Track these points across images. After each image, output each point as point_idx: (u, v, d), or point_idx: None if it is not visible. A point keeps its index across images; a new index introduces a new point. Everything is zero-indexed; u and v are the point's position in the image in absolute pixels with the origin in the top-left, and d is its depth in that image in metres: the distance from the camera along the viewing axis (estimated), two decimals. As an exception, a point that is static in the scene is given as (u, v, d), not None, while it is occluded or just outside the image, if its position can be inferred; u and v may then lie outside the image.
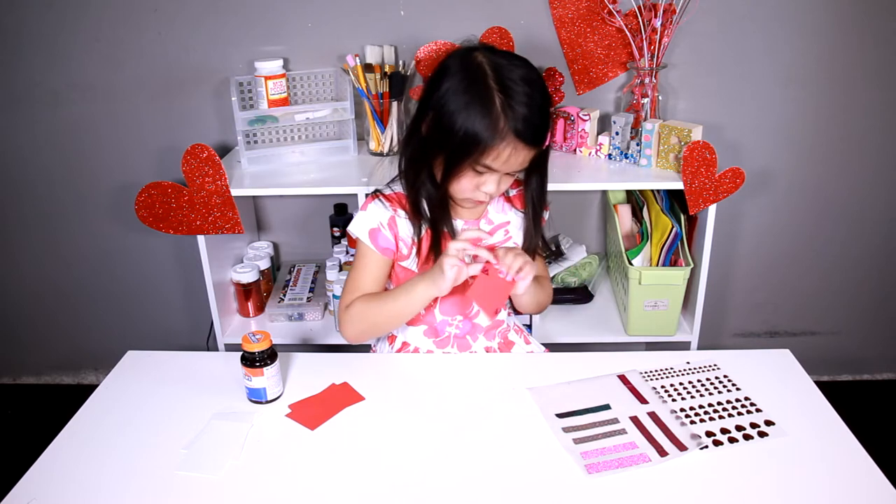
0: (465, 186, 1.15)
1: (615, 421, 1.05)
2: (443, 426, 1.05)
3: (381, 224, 1.23)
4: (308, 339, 1.72)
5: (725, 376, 1.16)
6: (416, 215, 1.22)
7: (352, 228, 1.25)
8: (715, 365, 1.19)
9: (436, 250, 1.21)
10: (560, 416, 1.06)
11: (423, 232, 1.22)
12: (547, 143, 1.16)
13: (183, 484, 0.95)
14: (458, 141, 1.08)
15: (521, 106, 1.07)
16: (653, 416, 1.07)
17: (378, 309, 1.22)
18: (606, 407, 1.09)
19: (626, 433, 1.03)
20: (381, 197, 1.25)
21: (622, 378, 1.16)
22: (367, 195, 1.29)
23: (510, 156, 1.09)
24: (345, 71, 1.71)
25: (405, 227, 1.24)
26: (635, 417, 1.06)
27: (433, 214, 1.21)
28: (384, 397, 1.12)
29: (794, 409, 1.07)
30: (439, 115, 1.10)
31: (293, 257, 2.05)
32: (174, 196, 1.55)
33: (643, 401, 1.10)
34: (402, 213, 1.23)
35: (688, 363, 1.20)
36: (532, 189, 1.24)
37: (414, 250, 1.24)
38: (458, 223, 1.25)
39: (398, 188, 1.26)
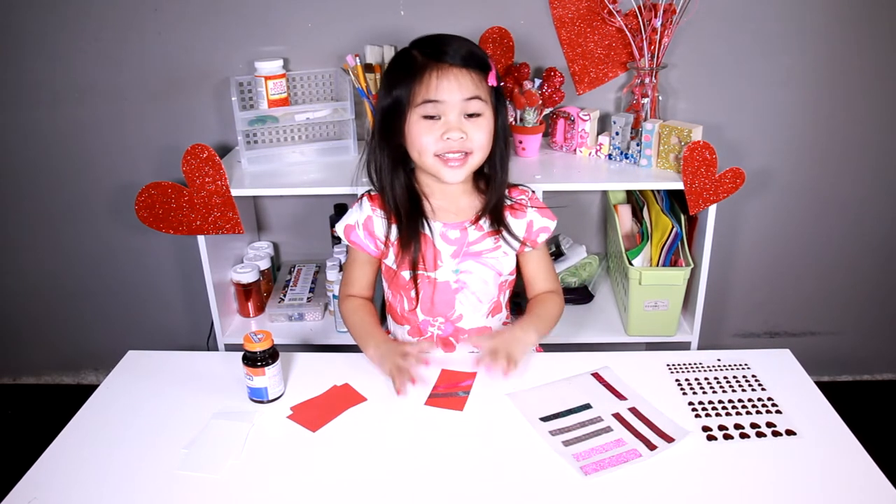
0: (426, 141, 1.15)
1: (599, 419, 1.06)
2: (444, 427, 1.05)
3: (357, 223, 1.27)
4: (308, 340, 1.72)
5: (725, 378, 1.16)
6: (388, 213, 1.24)
7: (336, 225, 1.31)
8: (717, 364, 1.19)
9: (404, 247, 1.23)
10: (544, 419, 1.06)
11: (393, 233, 1.25)
12: (494, 83, 1.18)
13: (183, 483, 0.95)
14: (393, 100, 1.15)
15: (435, 42, 1.15)
16: (634, 411, 1.07)
17: (350, 328, 1.30)
18: (587, 406, 1.09)
19: (612, 430, 1.03)
20: (366, 197, 1.29)
21: (596, 376, 1.16)
22: (360, 195, 1.31)
23: (440, 78, 1.12)
24: (345, 71, 1.71)
25: (380, 226, 1.26)
26: (618, 414, 1.07)
27: (404, 210, 1.22)
28: (386, 398, 1.12)
29: (795, 409, 1.08)
30: (378, 99, 1.20)
31: (293, 257, 2.05)
32: (174, 196, 1.55)
33: (621, 397, 1.10)
34: (380, 212, 1.26)
35: (689, 363, 1.20)
36: (497, 157, 1.24)
37: (391, 250, 1.26)
38: (438, 225, 1.24)
39: None
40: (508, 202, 1.28)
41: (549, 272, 1.34)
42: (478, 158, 1.19)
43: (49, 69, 1.83)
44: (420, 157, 1.18)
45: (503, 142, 1.23)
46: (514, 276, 1.33)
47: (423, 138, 1.15)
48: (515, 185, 1.31)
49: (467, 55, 1.14)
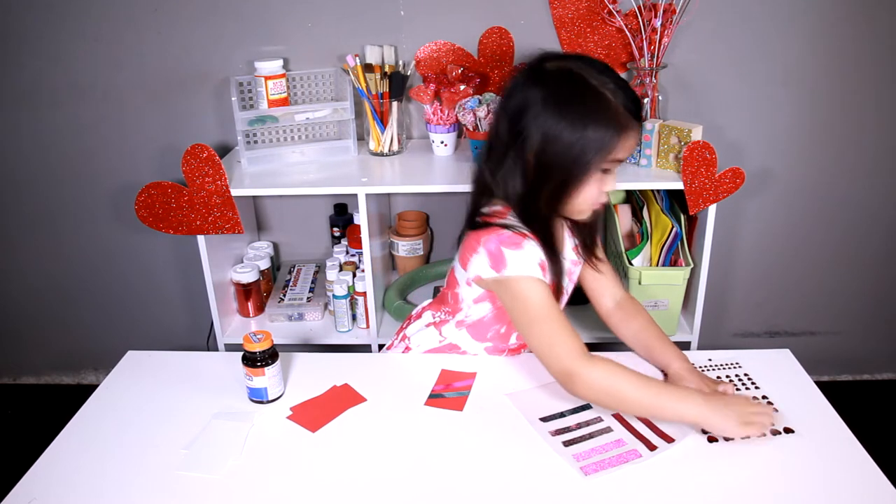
0: (590, 194, 1.09)
1: (599, 420, 1.06)
2: (444, 427, 1.05)
3: (542, 260, 1.12)
4: (308, 340, 1.72)
5: (725, 377, 1.16)
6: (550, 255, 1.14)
7: (515, 271, 1.09)
8: (716, 364, 1.20)
9: (559, 281, 1.15)
10: (544, 419, 1.06)
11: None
12: None
13: (183, 483, 0.95)
14: (580, 150, 1.04)
15: (622, 90, 1.05)
16: None
17: (632, 398, 1.04)
18: (587, 406, 1.09)
19: (612, 431, 1.03)
20: (530, 237, 1.11)
21: None
22: (503, 231, 1.10)
23: (634, 139, 1.08)
24: (345, 71, 1.71)
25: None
26: (618, 414, 1.07)
27: (560, 245, 1.16)
28: (385, 398, 1.12)
29: (795, 409, 1.08)
30: (549, 137, 1.04)
31: (293, 257, 2.05)
32: (174, 196, 1.55)
33: None
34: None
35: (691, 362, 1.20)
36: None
37: None
38: (567, 262, 1.22)
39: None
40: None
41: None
42: None
43: (49, 69, 1.84)
44: (581, 202, 1.11)
45: None
46: None
47: (587, 192, 1.09)
48: None
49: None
